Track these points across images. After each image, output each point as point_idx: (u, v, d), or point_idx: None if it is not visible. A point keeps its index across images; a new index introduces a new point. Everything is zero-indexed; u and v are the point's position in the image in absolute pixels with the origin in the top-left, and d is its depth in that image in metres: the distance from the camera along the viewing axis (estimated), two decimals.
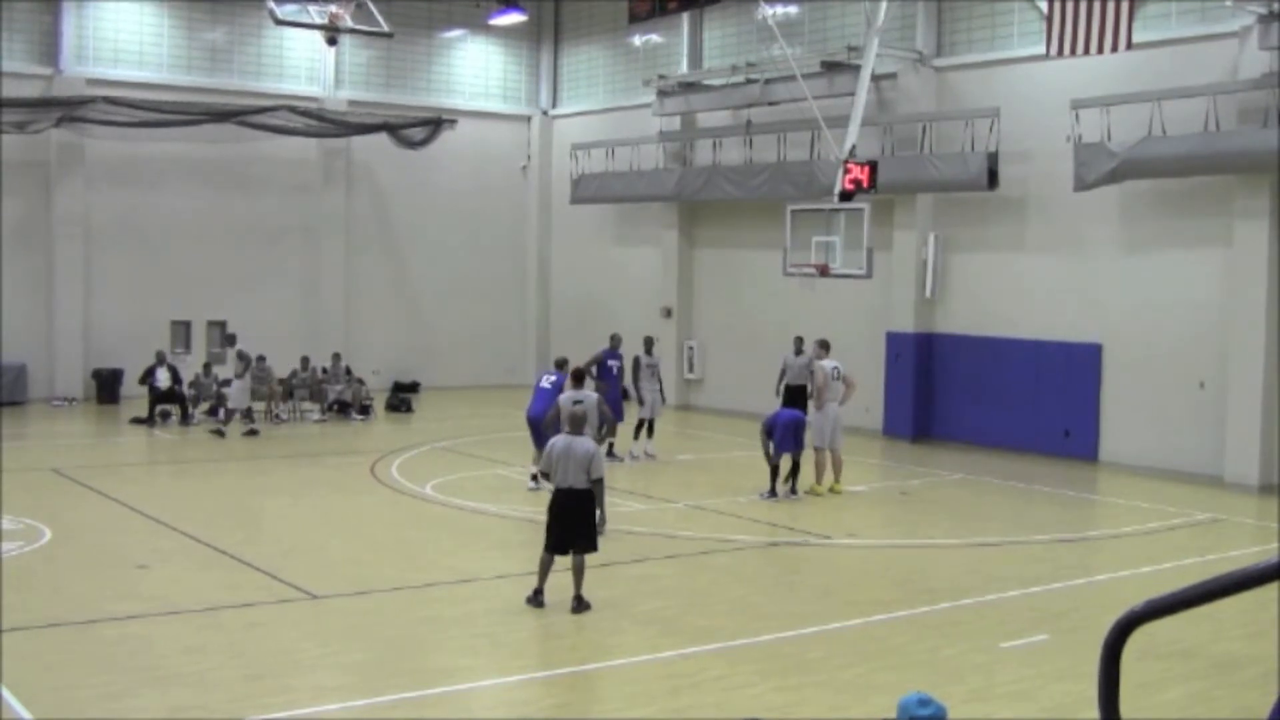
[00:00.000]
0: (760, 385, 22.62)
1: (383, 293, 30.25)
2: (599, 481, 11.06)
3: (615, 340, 20.46)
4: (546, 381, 16.87)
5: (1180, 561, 13.56)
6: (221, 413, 22.70)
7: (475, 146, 30.91)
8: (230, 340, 22.73)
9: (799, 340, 20.60)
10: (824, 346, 18.14)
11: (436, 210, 30.71)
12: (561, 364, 17.28)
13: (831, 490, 17.35)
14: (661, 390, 20.85)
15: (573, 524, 11.06)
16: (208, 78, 27.65)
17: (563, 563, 11.12)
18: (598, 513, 11.20)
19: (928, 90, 22.88)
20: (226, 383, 24.74)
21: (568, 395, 14.94)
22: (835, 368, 17.78)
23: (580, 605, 11.00)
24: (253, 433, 22.16)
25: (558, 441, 11.28)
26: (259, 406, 24.13)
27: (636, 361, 20.59)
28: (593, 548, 11.18)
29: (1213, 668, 9.87)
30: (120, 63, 26.80)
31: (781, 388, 20.29)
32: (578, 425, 11.47)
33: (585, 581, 11.08)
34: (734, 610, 11.33)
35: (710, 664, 9.68)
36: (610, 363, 19.86)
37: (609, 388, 19.20)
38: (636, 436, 20.28)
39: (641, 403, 20.36)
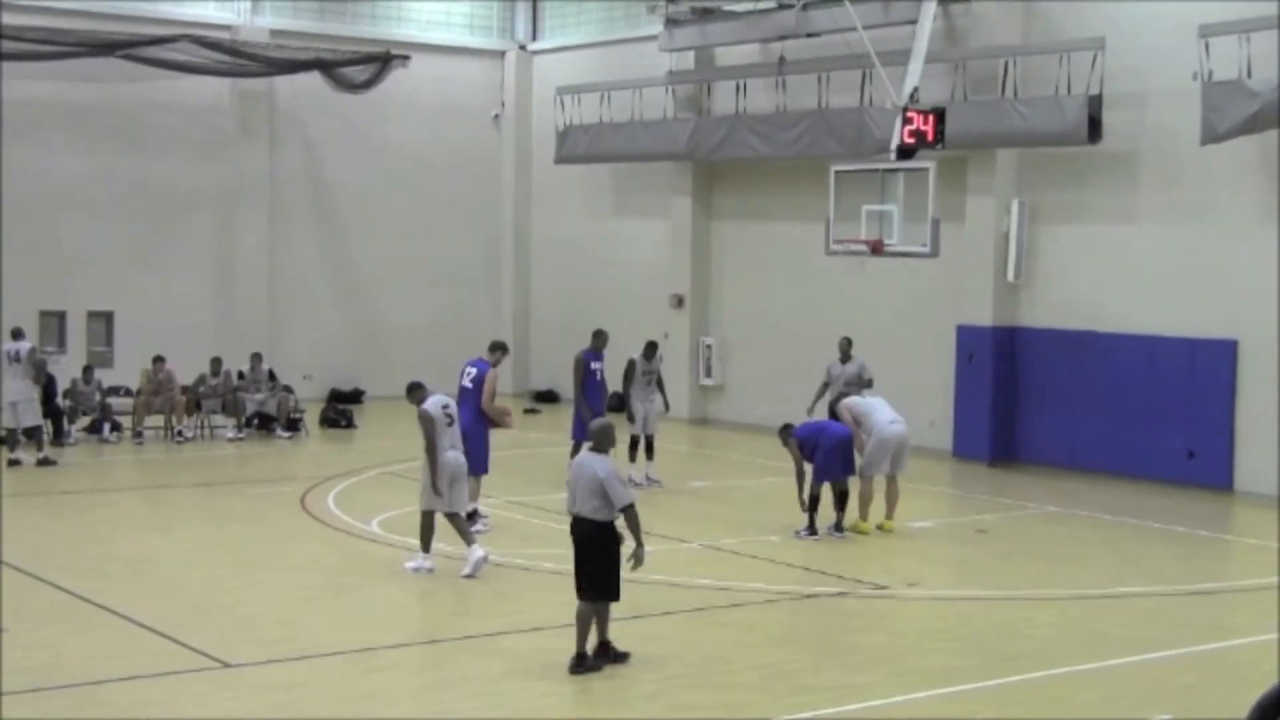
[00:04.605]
0: (796, 392, 22.57)
1: (316, 277, 30.32)
2: (628, 510, 11.06)
3: (599, 338, 20.37)
4: (468, 379, 16.88)
5: None
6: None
7: (434, 90, 30.96)
8: (16, 334, 22.05)
9: (846, 343, 20.57)
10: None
11: (385, 171, 30.75)
12: (496, 347, 17.61)
13: (865, 529, 17.37)
14: (664, 398, 20.85)
15: (585, 562, 11.18)
16: (89, 0, 27.63)
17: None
18: (636, 549, 11.25)
19: (1012, 18, 22.85)
20: (114, 390, 24.77)
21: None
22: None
23: (609, 654, 11.18)
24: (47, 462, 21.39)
25: (575, 462, 11.67)
26: (156, 422, 24.12)
27: (632, 366, 20.59)
28: (610, 595, 11.25)
29: None
30: None
31: (817, 405, 20.27)
32: (603, 440, 11.49)
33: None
34: (764, 680, 11.30)
35: None
36: (594, 365, 19.81)
37: (590, 396, 19.39)
38: (633, 458, 20.27)
39: (632, 419, 20.35)
